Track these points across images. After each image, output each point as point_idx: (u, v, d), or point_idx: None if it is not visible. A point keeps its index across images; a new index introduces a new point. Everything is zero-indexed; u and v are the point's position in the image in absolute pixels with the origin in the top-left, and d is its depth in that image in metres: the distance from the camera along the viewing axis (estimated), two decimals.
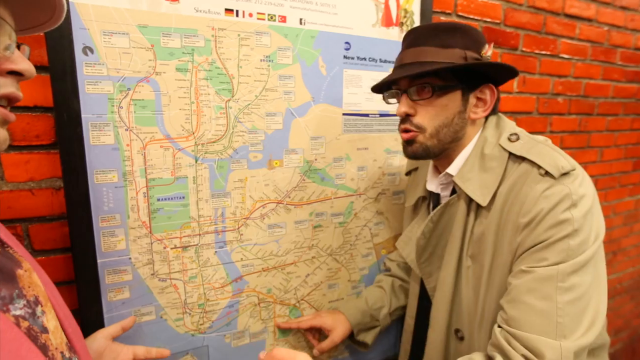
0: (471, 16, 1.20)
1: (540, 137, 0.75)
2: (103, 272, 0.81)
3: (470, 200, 0.76)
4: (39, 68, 0.71)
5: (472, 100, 0.75)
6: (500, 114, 0.82)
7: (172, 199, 0.85)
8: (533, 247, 0.65)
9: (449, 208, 0.80)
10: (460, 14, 1.18)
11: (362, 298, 1.06)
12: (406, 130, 0.76)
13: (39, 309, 0.46)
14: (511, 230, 0.68)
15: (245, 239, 0.94)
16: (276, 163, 0.95)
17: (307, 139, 0.97)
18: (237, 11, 0.84)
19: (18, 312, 0.42)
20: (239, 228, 0.93)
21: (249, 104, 0.89)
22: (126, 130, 0.78)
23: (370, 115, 1.05)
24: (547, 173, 0.66)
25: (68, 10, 0.70)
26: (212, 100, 0.85)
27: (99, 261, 0.80)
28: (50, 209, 0.77)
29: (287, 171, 0.96)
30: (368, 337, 1.03)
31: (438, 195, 0.85)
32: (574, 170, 0.66)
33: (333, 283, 1.09)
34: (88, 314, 0.80)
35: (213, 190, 0.89)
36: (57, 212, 0.77)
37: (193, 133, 0.84)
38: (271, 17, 0.88)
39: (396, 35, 1.04)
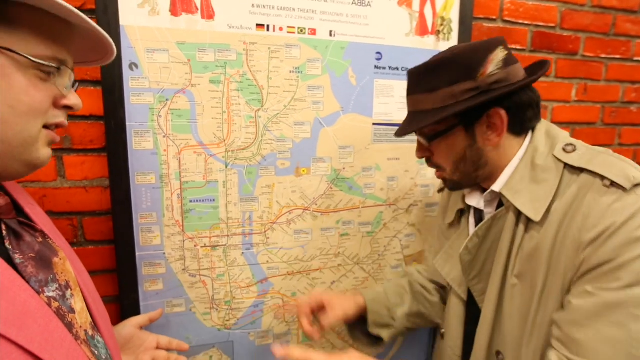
0: (520, 21, 1.13)
1: (600, 148, 0.68)
2: (140, 264, 0.90)
3: (519, 214, 0.69)
4: (93, 82, 0.82)
5: (480, 129, 0.70)
6: (547, 122, 0.76)
7: (203, 201, 0.92)
8: (601, 265, 0.58)
9: (496, 222, 0.73)
10: (507, 19, 1.12)
11: (380, 288, 0.96)
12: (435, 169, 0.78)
13: (68, 293, 0.53)
14: (571, 247, 0.61)
15: (272, 243, 0.98)
16: (303, 171, 0.98)
17: (335, 148, 0.99)
18: (267, 26, 0.89)
19: (51, 294, 0.49)
20: (265, 232, 0.98)
21: (278, 114, 0.93)
22: (164, 137, 0.86)
23: None
24: (613, 184, 0.59)
25: (118, 32, 0.80)
26: (242, 109, 0.91)
27: (137, 254, 0.89)
28: (100, 205, 0.87)
29: (314, 179, 0.99)
30: (384, 334, 0.91)
31: (480, 210, 0.80)
32: None
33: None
34: (126, 301, 0.89)
35: (242, 194, 0.94)
36: (105, 208, 0.87)
37: (224, 140, 0.91)
38: (301, 30, 0.92)
39: (432, 44, 1.02)
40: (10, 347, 0.40)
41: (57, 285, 0.51)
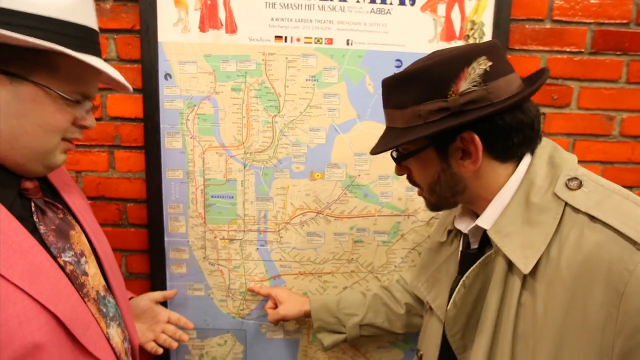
0: (576, 20, 1.00)
1: (612, 185, 0.57)
2: (168, 248, 1.03)
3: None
4: (137, 90, 0.97)
5: (454, 154, 0.61)
6: (553, 142, 0.65)
7: (223, 197, 1.01)
8: None
9: (483, 267, 0.63)
10: (558, 18, 1.00)
11: (336, 297, 0.98)
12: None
13: (82, 259, 0.65)
14: (605, 319, 0.50)
15: (285, 242, 1.04)
16: (317, 175, 1.01)
17: (350, 155, 1.00)
18: (285, 37, 0.95)
19: (67, 259, 0.62)
20: (279, 231, 1.03)
21: (294, 120, 0.98)
22: (191, 138, 0.98)
23: None
24: (627, 239, 0.49)
25: (156, 47, 0.93)
26: (260, 115, 0.98)
27: (165, 239, 1.02)
28: (139, 194, 1.02)
29: (328, 184, 1.01)
30: (326, 340, 0.95)
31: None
32: None
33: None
34: (156, 279, 1.03)
35: (258, 194, 1.01)
36: (142, 197, 1.02)
37: (243, 143, 0.99)
38: (318, 40, 0.95)
39: None
40: (23, 297, 0.51)
41: (73, 253, 0.63)
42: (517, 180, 0.61)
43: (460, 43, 0.97)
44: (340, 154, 1.00)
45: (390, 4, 0.94)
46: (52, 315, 0.53)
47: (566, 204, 0.56)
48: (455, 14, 0.95)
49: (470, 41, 0.97)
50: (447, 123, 0.57)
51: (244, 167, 1.00)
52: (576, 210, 0.55)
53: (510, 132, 0.59)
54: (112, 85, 0.70)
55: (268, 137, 0.99)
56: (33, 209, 0.61)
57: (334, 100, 0.98)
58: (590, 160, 1.06)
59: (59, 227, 0.63)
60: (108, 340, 0.62)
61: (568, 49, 1.02)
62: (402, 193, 1.02)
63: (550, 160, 0.61)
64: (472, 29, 0.96)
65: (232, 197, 1.01)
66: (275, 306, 0.99)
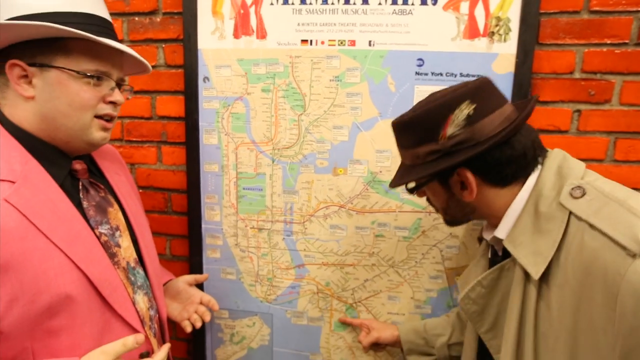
0: (619, 9, 0.94)
1: (616, 192, 0.58)
2: (205, 235, 1.14)
3: None
4: (180, 92, 1.09)
5: (454, 186, 0.69)
6: (563, 152, 0.67)
7: (253, 189, 1.10)
8: None
9: (504, 273, 0.69)
10: (598, 9, 0.94)
11: (422, 321, 1.04)
12: None
13: (117, 233, 0.77)
14: (605, 321, 0.53)
15: (309, 233, 1.10)
16: (340, 171, 1.06)
17: (372, 152, 1.04)
18: (311, 41, 1.01)
19: (103, 231, 0.73)
20: (304, 222, 1.10)
21: (318, 118, 1.04)
22: (225, 135, 1.08)
23: None
24: (618, 245, 0.52)
25: (197, 54, 1.05)
26: (287, 114, 1.05)
27: (203, 226, 1.13)
28: (181, 185, 1.15)
29: (350, 179, 1.06)
30: None
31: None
32: None
33: (394, 295, 1.09)
34: (194, 261, 1.15)
35: (284, 187, 1.08)
36: (184, 187, 1.14)
37: (271, 139, 1.07)
38: (341, 42, 1.00)
39: (484, 47, 0.96)
40: (60, 255, 0.63)
41: (109, 226, 0.75)
42: (526, 192, 0.66)
43: (484, 40, 0.96)
44: (362, 151, 1.04)
45: (412, 4, 0.96)
46: (83, 274, 0.64)
47: (570, 212, 0.59)
48: (479, 11, 0.95)
49: (495, 38, 0.95)
50: (441, 164, 0.65)
51: (272, 162, 1.08)
52: (579, 218, 0.58)
53: (501, 165, 0.65)
54: (134, 70, 0.79)
55: (294, 134, 1.06)
56: (80, 187, 0.73)
57: (356, 99, 1.02)
58: (634, 161, 0.99)
59: (98, 204, 0.75)
60: (133, 304, 0.72)
61: (609, 41, 0.96)
62: None
63: (558, 170, 0.64)
64: (497, 25, 0.95)
65: (262, 189, 1.10)
66: (367, 334, 1.07)
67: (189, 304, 1.01)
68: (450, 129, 0.63)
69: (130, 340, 0.65)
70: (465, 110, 0.63)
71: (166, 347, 0.75)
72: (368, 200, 1.06)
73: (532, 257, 0.62)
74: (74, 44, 0.65)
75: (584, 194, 0.59)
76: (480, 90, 0.65)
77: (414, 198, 1.04)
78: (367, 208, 1.07)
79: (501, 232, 0.68)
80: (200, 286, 1.12)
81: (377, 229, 1.07)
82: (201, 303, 1.02)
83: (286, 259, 1.12)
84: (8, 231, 0.59)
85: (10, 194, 0.61)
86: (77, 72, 0.66)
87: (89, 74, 0.67)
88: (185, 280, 1.03)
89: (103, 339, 0.68)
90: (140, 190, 1.15)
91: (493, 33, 0.95)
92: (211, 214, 1.13)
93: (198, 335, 1.17)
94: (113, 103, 0.73)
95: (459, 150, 0.64)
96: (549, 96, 0.99)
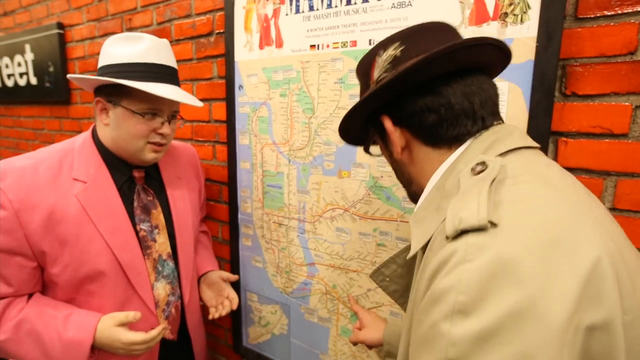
0: None
1: (516, 168, 0.48)
2: (240, 224, 1.29)
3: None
4: (221, 99, 1.27)
5: (385, 139, 0.62)
6: (514, 128, 0.54)
7: (274, 186, 1.19)
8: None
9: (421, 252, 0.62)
10: None
11: None
12: None
13: (155, 231, 0.99)
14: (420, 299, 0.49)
15: (318, 233, 1.12)
16: (345, 174, 1.05)
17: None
18: (318, 45, 1.03)
19: (143, 227, 0.97)
20: (314, 222, 1.13)
21: (325, 120, 1.06)
22: (254, 136, 1.21)
23: None
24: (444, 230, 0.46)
25: (233, 66, 1.21)
26: (300, 117, 1.10)
27: (239, 216, 1.29)
28: (227, 179, 1.33)
29: (354, 183, 1.03)
30: None
31: None
32: (494, 227, 0.41)
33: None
34: (233, 247, 1.32)
35: (298, 187, 1.14)
36: (226, 181, 1.32)
37: (288, 141, 1.14)
38: (344, 44, 0.99)
39: (494, 33, 0.79)
40: (102, 240, 0.88)
41: (149, 224, 0.98)
42: (451, 161, 0.56)
43: (494, 25, 0.80)
44: (364, 154, 0.99)
45: None
46: (115, 258, 0.88)
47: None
48: None
49: (509, 19, 0.78)
50: (362, 110, 0.61)
51: (289, 162, 1.15)
52: None
53: (421, 113, 0.55)
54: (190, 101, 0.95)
55: (306, 136, 1.10)
56: (135, 190, 0.97)
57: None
58: None
59: (145, 205, 0.98)
60: (152, 288, 0.93)
61: None
62: None
63: (490, 145, 0.52)
64: (511, 4, 0.77)
65: (281, 187, 1.18)
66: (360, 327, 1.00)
67: (219, 296, 1.16)
68: (376, 72, 0.58)
69: (132, 315, 0.86)
70: (392, 51, 0.56)
71: (159, 328, 0.91)
72: (370, 205, 1.01)
73: (421, 237, 0.54)
74: (134, 89, 0.86)
75: (483, 170, 0.48)
76: (417, 32, 0.57)
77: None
78: (369, 214, 1.02)
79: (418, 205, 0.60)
80: (237, 268, 1.29)
81: (379, 238, 1.01)
82: (227, 298, 1.15)
83: (300, 256, 1.17)
84: (70, 218, 0.85)
85: (79, 191, 0.87)
86: (134, 112, 0.88)
87: (142, 113, 0.88)
88: (220, 275, 1.18)
89: (123, 309, 0.91)
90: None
91: (506, 14, 0.78)
92: (245, 206, 1.28)
93: (237, 313, 1.34)
94: (161, 134, 0.93)
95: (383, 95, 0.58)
96: (594, 88, 0.75)
